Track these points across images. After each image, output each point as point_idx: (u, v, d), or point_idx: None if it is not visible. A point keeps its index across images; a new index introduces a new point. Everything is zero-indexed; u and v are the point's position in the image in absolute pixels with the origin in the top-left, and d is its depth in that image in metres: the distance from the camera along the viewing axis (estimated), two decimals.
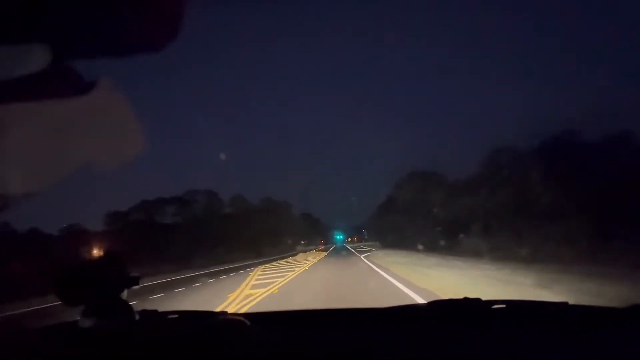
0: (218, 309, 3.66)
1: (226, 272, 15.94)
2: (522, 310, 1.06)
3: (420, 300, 5.27)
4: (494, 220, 14.52)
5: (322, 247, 54.27)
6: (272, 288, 8.43)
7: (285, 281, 9.89)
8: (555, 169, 12.23)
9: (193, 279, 13.42)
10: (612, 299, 4.48)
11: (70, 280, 0.87)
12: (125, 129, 0.75)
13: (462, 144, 60.27)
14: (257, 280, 10.80)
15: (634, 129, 12.73)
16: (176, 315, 1.10)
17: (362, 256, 21.00)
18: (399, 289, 7.01)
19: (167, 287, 11.12)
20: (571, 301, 1.02)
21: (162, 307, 1.25)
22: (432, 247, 19.49)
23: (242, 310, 4.89)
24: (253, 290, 8.31)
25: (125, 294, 0.92)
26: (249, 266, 18.85)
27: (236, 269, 17.25)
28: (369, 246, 42.31)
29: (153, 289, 10.27)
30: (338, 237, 75.72)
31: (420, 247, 20.66)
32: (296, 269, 14.22)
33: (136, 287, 0.92)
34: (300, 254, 31.58)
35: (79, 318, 0.87)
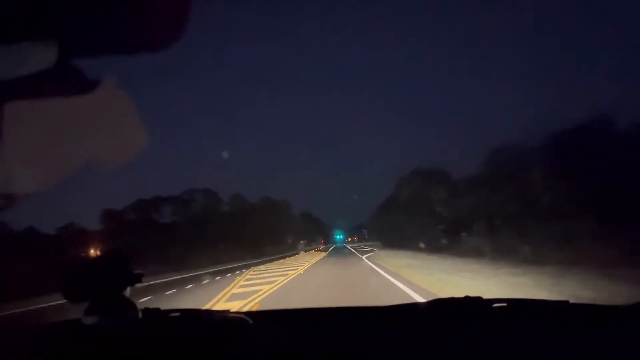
0: None
1: (214, 274, 14.40)
2: (522, 308, 1.06)
3: None
4: (497, 219, 14.19)
5: (322, 247, 54.21)
6: (254, 300, 6.84)
7: (273, 289, 8.15)
8: (559, 166, 12.05)
9: (170, 285, 11.64)
10: None
11: (77, 277, 0.88)
12: (129, 128, 0.74)
13: (464, 143, 60.24)
14: (240, 287, 9.17)
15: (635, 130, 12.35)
16: (178, 314, 1.09)
17: (364, 257, 19.47)
18: None
19: (133, 295, 9.25)
20: None
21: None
22: (434, 247, 19.18)
23: None
24: (230, 302, 6.74)
25: (128, 292, 0.92)
26: (239, 268, 17.40)
27: (225, 272, 15.68)
28: (369, 246, 41.80)
29: None
30: (338, 236, 75.87)
31: (422, 245, 20.41)
32: (290, 272, 12.43)
33: (139, 284, 0.93)
34: (299, 254, 30.88)
35: (81, 316, 0.87)
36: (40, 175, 0.67)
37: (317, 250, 39.65)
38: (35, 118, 0.64)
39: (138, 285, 0.93)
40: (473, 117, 75.29)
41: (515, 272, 7.78)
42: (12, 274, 12.13)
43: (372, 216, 45.26)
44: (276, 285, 8.84)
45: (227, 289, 8.96)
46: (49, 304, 9.07)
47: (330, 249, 41.68)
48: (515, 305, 1.04)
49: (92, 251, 22.43)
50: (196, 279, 13.00)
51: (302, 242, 54.26)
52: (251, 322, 0.99)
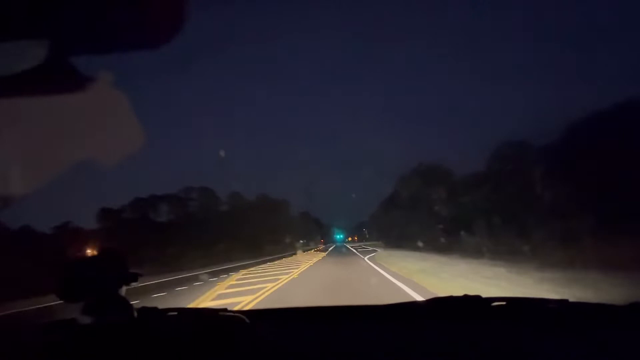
0: None
1: (197, 278, 12.84)
2: (522, 307, 1.06)
3: None
4: (499, 217, 14.02)
5: (321, 247, 53.95)
6: None
7: (255, 301, 6.77)
8: (560, 165, 12.04)
9: (147, 290, 9.88)
10: None
11: (71, 277, 0.87)
12: (125, 126, 0.74)
13: (464, 143, 59.78)
14: (216, 299, 7.58)
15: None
16: (175, 313, 1.10)
17: (366, 257, 18.34)
18: None
19: None
20: None
21: None
22: (434, 246, 19.05)
23: None
24: None
25: (124, 291, 0.92)
26: (227, 271, 15.59)
27: (210, 275, 13.93)
28: (371, 245, 41.12)
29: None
30: (338, 236, 76.00)
31: (420, 244, 20.21)
32: (282, 277, 10.74)
33: (135, 283, 0.93)
34: (297, 255, 30.37)
35: (76, 315, 0.87)
36: (36, 173, 0.67)
37: (317, 250, 39.28)
38: (31, 116, 0.64)
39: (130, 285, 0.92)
40: (473, 117, 75.21)
41: (554, 279, 6.67)
42: (7, 273, 11.94)
43: (373, 215, 45.67)
44: (263, 294, 7.56)
45: (202, 297, 7.70)
46: (44, 305, 8.93)
47: (330, 249, 41.34)
48: (515, 304, 1.05)
49: (88, 250, 22.34)
50: (174, 285, 11.30)
51: (301, 241, 54.30)
52: (248, 321, 1.00)
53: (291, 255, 30.38)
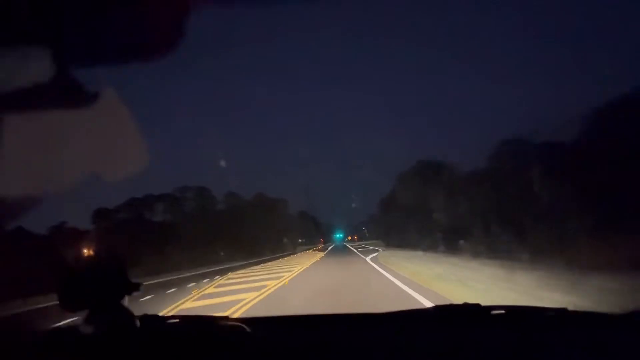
0: None
1: (180, 282, 11.91)
2: (521, 316, 1.06)
3: None
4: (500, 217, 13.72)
5: (320, 247, 53.61)
6: None
7: (237, 313, 5.60)
8: (561, 165, 11.87)
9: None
10: None
11: (74, 287, 0.87)
12: (129, 143, 0.74)
13: (464, 142, 59.33)
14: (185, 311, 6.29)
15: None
16: (177, 320, 1.10)
17: (367, 258, 17.34)
18: None
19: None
20: None
21: None
22: (434, 246, 18.93)
23: None
24: None
25: (126, 300, 0.91)
26: (210, 274, 14.28)
27: (192, 279, 12.96)
28: (371, 245, 40.42)
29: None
30: (338, 235, 75.78)
31: (421, 251, 19.74)
32: (268, 283, 9.02)
33: (137, 292, 0.92)
34: (296, 255, 30.06)
35: (78, 323, 0.87)
36: (39, 187, 0.68)
37: (315, 250, 38.88)
38: (34, 130, 0.64)
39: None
40: (473, 116, 75.19)
41: (603, 287, 5.09)
42: (5, 274, 11.78)
43: (373, 214, 45.52)
44: (246, 304, 6.24)
45: (169, 308, 6.52)
46: (40, 305, 8.92)
47: (330, 249, 41.03)
48: (514, 312, 1.05)
49: (85, 251, 22.05)
50: (149, 290, 9.55)
51: (300, 241, 54.20)
52: (249, 329, 1.00)
53: (288, 255, 30.02)
